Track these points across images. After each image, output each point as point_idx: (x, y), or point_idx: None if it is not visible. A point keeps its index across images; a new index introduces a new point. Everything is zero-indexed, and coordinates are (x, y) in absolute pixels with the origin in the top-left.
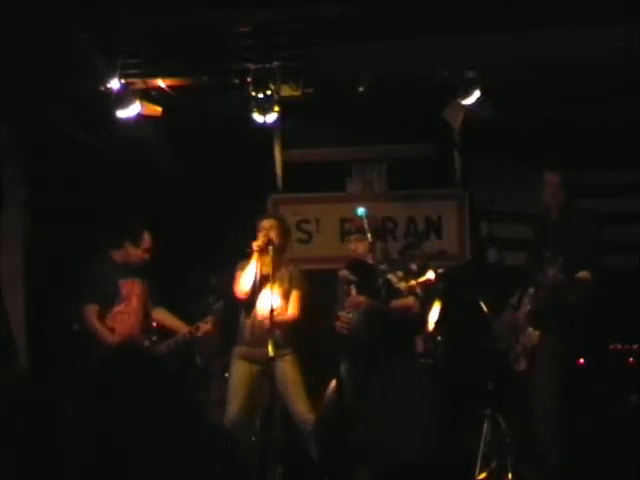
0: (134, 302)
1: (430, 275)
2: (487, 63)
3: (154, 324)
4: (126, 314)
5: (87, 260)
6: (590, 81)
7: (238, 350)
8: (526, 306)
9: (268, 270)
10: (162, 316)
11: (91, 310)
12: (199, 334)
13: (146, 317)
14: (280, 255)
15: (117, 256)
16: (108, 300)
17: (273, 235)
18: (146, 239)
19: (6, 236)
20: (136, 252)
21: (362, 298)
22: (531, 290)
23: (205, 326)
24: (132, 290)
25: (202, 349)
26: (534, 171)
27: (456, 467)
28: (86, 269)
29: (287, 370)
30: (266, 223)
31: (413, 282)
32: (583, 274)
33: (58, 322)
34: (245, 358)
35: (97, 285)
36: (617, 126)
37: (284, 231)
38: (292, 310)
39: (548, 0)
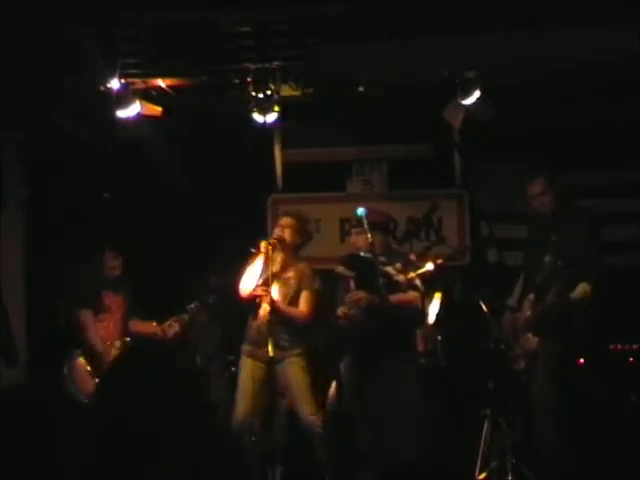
0: (116, 312)
1: (429, 266)
2: (487, 63)
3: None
4: (107, 321)
5: (76, 264)
6: (590, 81)
7: (245, 348)
8: (526, 312)
9: (278, 269)
10: (135, 324)
11: (88, 316)
12: (168, 336)
13: (125, 326)
14: (292, 254)
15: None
16: (96, 308)
17: (287, 233)
18: (108, 258)
19: (6, 236)
20: (104, 269)
21: (362, 294)
22: (531, 296)
23: (170, 328)
24: (114, 301)
25: (202, 349)
26: (534, 171)
27: (456, 467)
28: (78, 274)
29: (292, 371)
30: (283, 221)
31: (412, 274)
32: (581, 291)
33: (58, 322)
34: (252, 357)
35: (89, 292)
36: (617, 126)
37: (301, 230)
38: (302, 308)
39: (548, 0)
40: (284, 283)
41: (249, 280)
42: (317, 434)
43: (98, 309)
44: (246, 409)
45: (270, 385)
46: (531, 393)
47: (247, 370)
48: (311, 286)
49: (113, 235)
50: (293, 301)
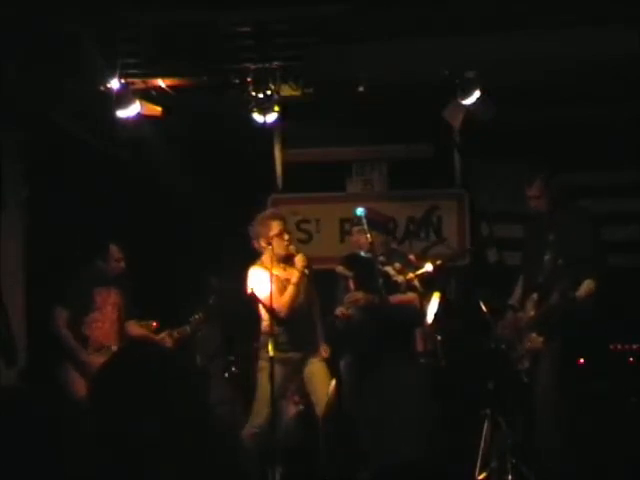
0: (110, 310)
1: (428, 267)
2: (487, 63)
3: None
4: (101, 322)
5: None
6: (590, 81)
7: (265, 355)
8: (530, 312)
9: (289, 274)
10: (133, 326)
11: (59, 315)
12: (166, 344)
13: (122, 326)
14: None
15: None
16: (82, 308)
17: (287, 237)
18: (113, 252)
19: (6, 236)
20: (106, 266)
21: (360, 294)
22: (534, 296)
23: (169, 338)
24: (108, 299)
25: (203, 349)
26: (534, 171)
27: (456, 467)
28: (67, 275)
29: (319, 371)
30: (277, 227)
31: (411, 275)
32: (586, 288)
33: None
34: (279, 362)
35: (71, 292)
36: (617, 126)
37: (287, 226)
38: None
39: (548, 0)
40: (302, 281)
41: (288, 303)
42: (331, 434)
43: (85, 309)
44: (266, 415)
45: (271, 384)
46: (534, 393)
47: (269, 376)
48: (310, 275)
49: (115, 231)
50: (306, 298)
